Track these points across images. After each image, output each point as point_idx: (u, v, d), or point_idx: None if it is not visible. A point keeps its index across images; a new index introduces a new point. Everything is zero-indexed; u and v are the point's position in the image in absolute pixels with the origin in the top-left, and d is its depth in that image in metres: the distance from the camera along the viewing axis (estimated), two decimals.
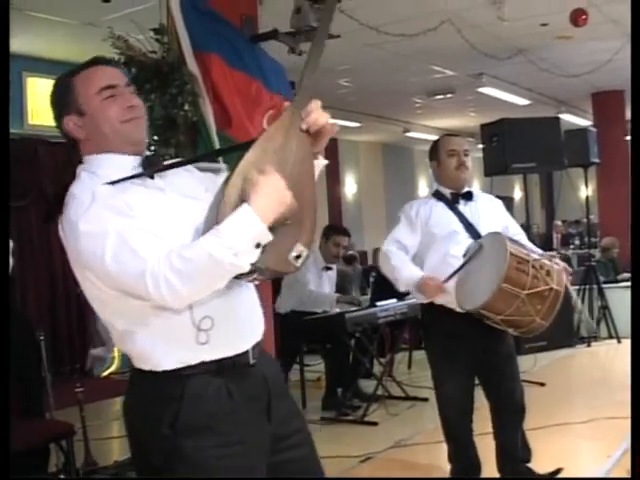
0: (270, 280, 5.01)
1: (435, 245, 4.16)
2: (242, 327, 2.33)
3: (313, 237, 2.26)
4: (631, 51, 3.17)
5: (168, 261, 2.04)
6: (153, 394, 2.24)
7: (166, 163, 2.39)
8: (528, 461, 4.33)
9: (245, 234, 2.04)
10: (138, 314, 2.20)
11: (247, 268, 2.05)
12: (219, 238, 2.02)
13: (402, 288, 4.20)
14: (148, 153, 2.38)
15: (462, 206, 4.24)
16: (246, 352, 2.32)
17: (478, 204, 4.28)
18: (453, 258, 4.03)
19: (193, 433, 2.19)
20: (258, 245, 2.05)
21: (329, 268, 7.48)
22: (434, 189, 4.41)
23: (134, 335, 2.23)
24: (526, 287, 3.63)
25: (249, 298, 2.39)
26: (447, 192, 4.28)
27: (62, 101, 2.32)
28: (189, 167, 2.48)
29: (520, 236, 4.23)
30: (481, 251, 3.89)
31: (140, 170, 2.28)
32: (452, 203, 4.24)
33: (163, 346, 2.22)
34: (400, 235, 4.23)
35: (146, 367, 2.25)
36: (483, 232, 4.09)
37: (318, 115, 2.28)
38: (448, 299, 3.98)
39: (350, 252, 11.68)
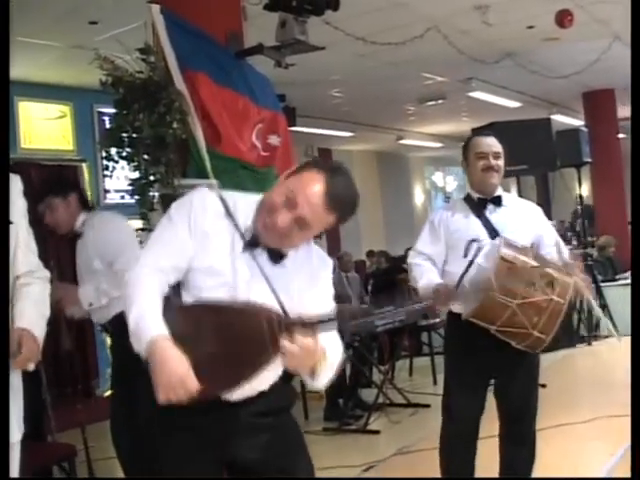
0: None
1: (457, 252, 3.95)
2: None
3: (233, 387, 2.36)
4: (631, 52, 3.17)
5: (135, 276, 2.32)
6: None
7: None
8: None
9: (138, 336, 2.23)
10: None
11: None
12: (139, 313, 2.25)
13: (424, 299, 4.13)
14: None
15: (489, 212, 3.98)
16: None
17: (509, 210, 4.02)
18: (474, 265, 3.83)
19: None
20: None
21: None
22: (466, 192, 4.20)
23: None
24: (517, 297, 3.46)
25: None
26: (475, 196, 4.06)
27: None
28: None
29: (553, 248, 3.88)
30: (480, 252, 3.75)
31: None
32: (479, 208, 4.01)
33: None
34: (421, 245, 4.07)
35: None
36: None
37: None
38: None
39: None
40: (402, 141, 16.60)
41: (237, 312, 2.27)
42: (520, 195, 10.98)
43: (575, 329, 9.59)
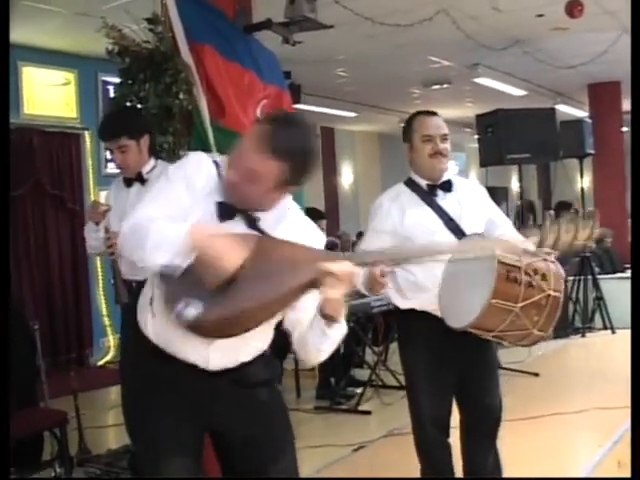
0: None
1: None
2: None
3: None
4: (631, 44, 3.16)
5: (135, 220, 2.33)
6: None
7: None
8: None
9: (172, 239, 2.22)
10: None
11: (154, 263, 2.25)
12: (159, 227, 2.25)
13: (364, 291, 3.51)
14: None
15: (440, 198, 3.64)
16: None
17: (459, 195, 3.67)
18: (432, 260, 3.46)
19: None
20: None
21: None
22: (407, 177, 3.77)
23: None
24: (519, 299, 3.20)
25: None
26: (423, 183, 3.67)
27: None
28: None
29: (506, 227, 3.71)
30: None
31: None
32: (429, 196, 3.65)
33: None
34: (370, 245, 3.63)
35: None
36: (466, 228, 3.56)
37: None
38: (427, 303, 3.52)
39: (331, 239, 11.68)
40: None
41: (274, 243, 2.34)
42: (521, 184, 10.91)
43: (570, 320, 9.61)
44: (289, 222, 2.48)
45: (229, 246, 2.17)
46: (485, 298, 3.17)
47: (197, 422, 2.48)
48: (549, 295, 3.25)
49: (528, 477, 4.08)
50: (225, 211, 2.39)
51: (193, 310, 2.17)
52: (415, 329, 3.63)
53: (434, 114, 3.75)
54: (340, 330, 2.42)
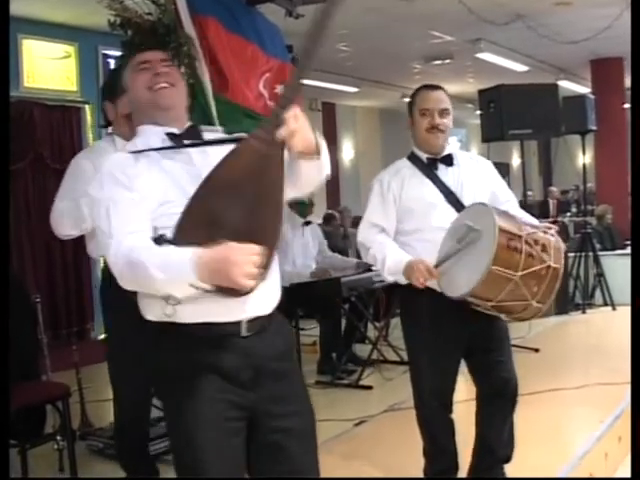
0: None
1: (413, 221, 3.63)
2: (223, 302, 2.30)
3: (275, 246, 2.31)
4: (631, 21, 3.14)
5: (124, 257, 2.22)
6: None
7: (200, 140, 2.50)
8: (508, 460, 3.78)
9: (179, 276, 2.15)
10: None
11: (179, 296, 2.22)
12: (160, 262, 2.17)
13: (390, 279, 3.64)
14: (189, 124, 2.54)
15: (441, 172, 3.66)
16: (236, 323, 2.36)
17: (461, 169, 3.69)
18: (432, 234, 3.53)
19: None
20: (192, 285, 2.15)
21: (309, 223, 7.40)
22: (410, 151, 3.80)
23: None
24: (519, 268, 3.19)
25: None
26: (423, 156, 3.70)
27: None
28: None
29: (510, 203, 3.74)
30: (479, 236, 3.30)
31: (168, 143, 2.44)
32: (429, 169, 3.67)
33: (146, 299, 2.40)
34: (374, 217, 3.70)
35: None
36: (466, 201, 3.57)
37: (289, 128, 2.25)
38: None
39: (329, 211, 11.69)
40: (406, 99, 16.40)
41: (223, 168, 2.30)
42: (522, 160, 10.89)
43: (570, 296, 9.62)
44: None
45: (233, 264, 2.10)
46: (485, 265, 3.16)
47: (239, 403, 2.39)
48: (549, 266, 3.25)
49: (531, 477, 4.08)
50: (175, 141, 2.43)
51: None
52: (416, 304, 3.61)
53: (437, 88, 3.74)
54: (322, 160, 2.41)
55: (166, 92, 2.47)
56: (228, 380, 2.34)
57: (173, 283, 2.17)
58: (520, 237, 3.23)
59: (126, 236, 2.25)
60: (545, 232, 3.35)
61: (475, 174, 3.73)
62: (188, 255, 2.13)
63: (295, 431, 2.46)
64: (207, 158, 2.40)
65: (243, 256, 2.09)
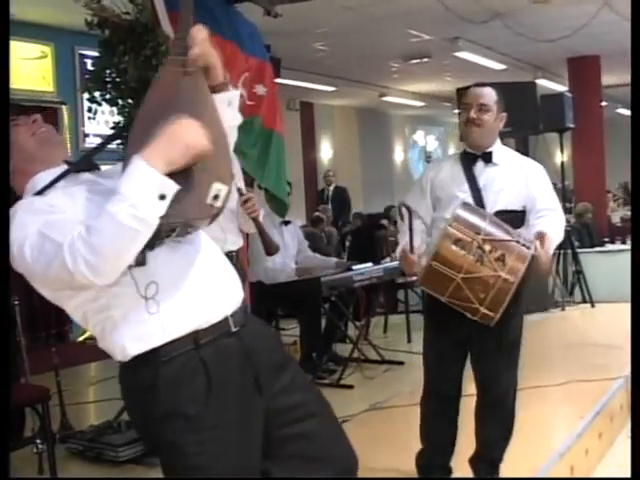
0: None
1: (439, 210, 3.71)
2: (202, 293, 2.26)
3: (231, 172, 2.21)
4: (631, 21, 3.15)
5: (81, 237, 1.98)
6: (133, 385, 2.27)
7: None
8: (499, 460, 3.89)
9: (142, 187, 1.98)
10: (92, 304, 2.22)
11: (154, 222, 1.99)
12: (118, 196, 1.98)
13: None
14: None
15: (478, 168, 3.68)
16: (224, 320, 2.30)
17: (500, 168, 3.69)
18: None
19: (171, 421, 2.19)
20: (162, 197, 1.99)
21: (287, 222, 7.33)
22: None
23: (103, 330, 2.25)
24: (462, 270, 3.24)
25: (211, 262, 2.35)
26: (467, 151, 3.76)
27: None
28: None
29: (544, 217, 3.59)
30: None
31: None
32: (467, 163, 3.71)
33: (124, 329, 2.21)
34: (409, 200, 3.75)
35: (119, 358, 2.26)
36: (490, 200, 3.61)
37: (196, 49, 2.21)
38: None
39: (316, 214, 11.70)
40: (384, 98, 16.51)
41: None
42: None
43: (550, 293, 9.65)
44: None
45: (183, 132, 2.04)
46: (427, 259, 3.37)
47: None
48: (499, 276, 3.25)
49: (529, 477, 4.09)
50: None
51: None
52: (427, 299, 3.74)
53: (484, 85, 3.79)
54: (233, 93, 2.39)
55: (45, 138, 2.38)
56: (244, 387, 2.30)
57: (142, 201, 1.96)
58: (471, 242, 3.27)
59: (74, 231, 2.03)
60: (524, 245, 3.33)
61: (513, 176, 3.70)
62: (135, 161, 2.01)
63: (316, 416, 2.45)
64: (107, 172, 2.36)
65: (185, 120, 2.05)
